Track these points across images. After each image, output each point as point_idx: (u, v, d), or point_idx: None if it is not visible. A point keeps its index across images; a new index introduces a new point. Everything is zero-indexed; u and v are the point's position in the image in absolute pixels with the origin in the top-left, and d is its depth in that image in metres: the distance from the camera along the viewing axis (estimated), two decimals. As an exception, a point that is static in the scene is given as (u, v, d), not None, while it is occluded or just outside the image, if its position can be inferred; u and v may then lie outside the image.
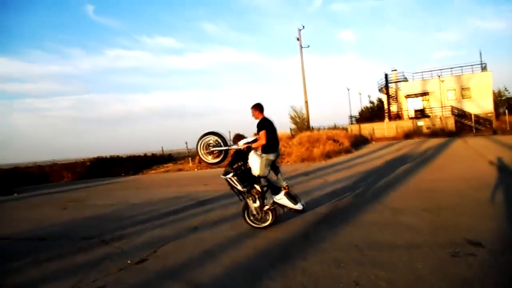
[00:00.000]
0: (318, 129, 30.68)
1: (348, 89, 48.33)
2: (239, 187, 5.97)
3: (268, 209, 6.01)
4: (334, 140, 23.19)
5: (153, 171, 23.23)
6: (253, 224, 6.09)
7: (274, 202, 6.03)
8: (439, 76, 34.41)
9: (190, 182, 15.28)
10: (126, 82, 65.04)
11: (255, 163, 5.99)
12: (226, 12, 73.49)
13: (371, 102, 47.44)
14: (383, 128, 32.45)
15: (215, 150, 6.26)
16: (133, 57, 65.42)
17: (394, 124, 32.74)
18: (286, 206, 6.04)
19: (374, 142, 28.41)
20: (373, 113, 42.23)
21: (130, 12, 67.69)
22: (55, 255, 5.60)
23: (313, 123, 31.35)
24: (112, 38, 68.17)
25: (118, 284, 4.12)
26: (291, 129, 28.90)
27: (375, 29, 61.64)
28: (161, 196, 11.37)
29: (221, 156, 6.28)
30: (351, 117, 39.07)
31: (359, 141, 26.67)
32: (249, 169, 6.06)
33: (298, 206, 6.00)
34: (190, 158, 23.92)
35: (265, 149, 5.94)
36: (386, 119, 34.64)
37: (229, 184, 6.06)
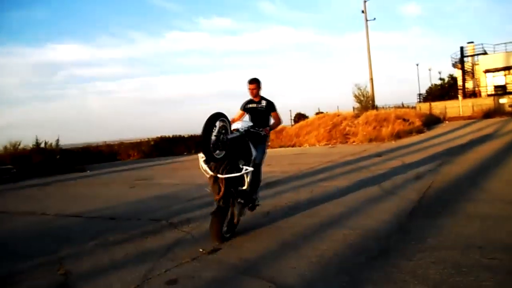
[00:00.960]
0: (384, 108, 28.84)
1: (417, 65, 44.83)
2: (247, 185, 4.80)
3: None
4: (404, 119, 21.53)
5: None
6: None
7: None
8: (526, 48, 30.58)
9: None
10: (185, 64, 66.15)
11: (254, 151, 4.98)
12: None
13: (441, 79, 43.68)
14: (458, 107, 29.69)
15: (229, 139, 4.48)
16: (191, 38, 66.19)
17: (470, 102, 29.82)
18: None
19: (447, 122, 26.08)
20: (444, 90, 38.90)
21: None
22: (124, 238, 5.34)
23: (378, 102, 29.52)
24: (171, 21, 69.44)
25: (192, 278, 3.65)
26: (354, 108, 27.42)
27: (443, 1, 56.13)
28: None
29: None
30: (419, 95, 36.33)
31: (431, 121, 24.57)
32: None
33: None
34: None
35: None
36: (460, 97, 31.64)
37: (229, 186, 4.68)
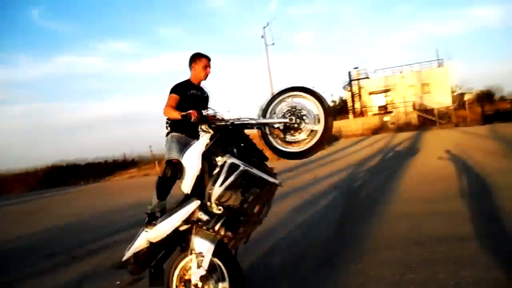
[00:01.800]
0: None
1: (313, 87, 48.18)
2: None
3: None
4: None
5: (116, 178, 21.51)
6: None
7: None
8: (400, 72, 35.22)
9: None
10: (82, 89, 61.19)
11: None
12: (181, 17, 71.39)
13: (333, 101, 47.80)
14: (350, 125, 32.55)
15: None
16: (86, 63, 61.75)
17: (360, 120, 32.96)
18: None
19: (343, 139, 28.31)
20: (337, 111, 42.51)
21: (81, 18, 63.82)
22: (18, 278, 4.35)
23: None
24: (63, 45, 63.91)
25: None
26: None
27: (331, 31, 62.64)
28: (135, 200, 10.08)
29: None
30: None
31: (330, 138, 26.30)
32: None
33: None
34: (156, 162, 22.40)
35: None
36: (351, 116, 34.83)
37: None
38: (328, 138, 2.73)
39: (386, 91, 35.54)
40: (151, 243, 2.91)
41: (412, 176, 8.09)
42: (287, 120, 2.69)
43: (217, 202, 2.67)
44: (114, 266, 3.18)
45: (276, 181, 2.74)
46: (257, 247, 4.33)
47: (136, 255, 2.98)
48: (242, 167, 2.64)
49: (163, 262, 3.07)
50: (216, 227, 2.67)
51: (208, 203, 2.71)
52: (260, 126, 2.82)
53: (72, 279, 4.11)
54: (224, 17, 74.04)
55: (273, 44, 29.45)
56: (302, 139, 2.72)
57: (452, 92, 41.35)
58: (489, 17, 62.98)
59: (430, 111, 31.92)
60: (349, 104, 37.89)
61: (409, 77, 34.99)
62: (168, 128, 3.29)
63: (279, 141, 2.79)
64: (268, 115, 2.82)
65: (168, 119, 3.23)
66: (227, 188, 2.63)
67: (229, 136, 2.83)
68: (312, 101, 2.72)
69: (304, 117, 2.71)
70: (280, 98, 2.82)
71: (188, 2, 71.18)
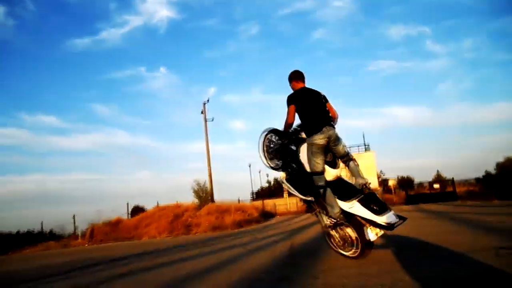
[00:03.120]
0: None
1: (249, 166, 48.78)
2: (299, 195, 4.31)
3: (331, 226, 4.02)
4: (243, 211, 22.34)
5: (27, 251, 18.79)
6: (339, 250, 4.10)
7: (343, 213, 3.86)
8: (331, 155, 37.47)
9: (85, 252, 12.46)
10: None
11: (304, 155, 4.17)
12: (118, 96, 71.65)
13: (268, 182, 48.71)
14: (286, 204, 32.94)
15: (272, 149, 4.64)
16: (7, 134, 57.57)
17: (294, 199, 33.55)
18: (363, 219, 3.71)
19: (278, 216, 28.29)
20: (271, 190, 43.12)
21: (6, 87, 61.09)
22: None
23: (216, 197, 30.24)
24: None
25: None
26: (193, 201, 27.23)
27: (264, 120, 66.69)
28: (63, 260, 8.78)
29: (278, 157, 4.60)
30: (252, 193, 39.16)
31: (266, 214, 26.24)
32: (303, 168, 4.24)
33: (383, 219, 3.56)
34: (79, 233, 20.27)
35: (307, 131, 4.17)
36: (286, 195, 35.42)
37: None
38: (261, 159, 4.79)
39: (319, 172, 37.24)
40: None
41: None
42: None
43: None
44: None
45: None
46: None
47: None
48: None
49: None
50: None
51: None
52: None
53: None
54: (163, 100, 75.56)
55: (212, 119, 30.15)
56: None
57: (378, 177, 44.51)
58: (400, 115, 71.64)
59: (359, 192, 33.63)
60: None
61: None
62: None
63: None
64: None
65: None
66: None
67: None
68: None
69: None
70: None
71: (125, 83, 71.94)
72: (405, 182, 47.05)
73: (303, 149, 4.18)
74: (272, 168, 4.58)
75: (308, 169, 4.08)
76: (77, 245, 18.84)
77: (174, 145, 71.46)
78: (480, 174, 30.05)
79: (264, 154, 4.60)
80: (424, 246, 4.69)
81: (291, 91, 4.34)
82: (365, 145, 38.65)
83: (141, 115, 72.94)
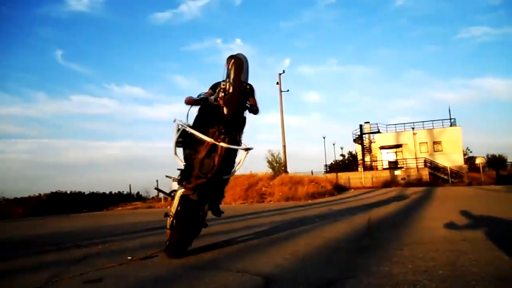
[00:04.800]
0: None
1: (324, 138, 48.00)
2: None
3: None
4: (317, 183, 22.20)
5: (119, 208, 20.92)
6: None
7: None
8: (412, 129, 35.27)
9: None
10: (91, 129, 62.54)
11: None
12: (196, 68, 74.00)
13: (342, 155, 47.54)
14: (360, 178, 32.03)
15: None
16: (99, 104, 63.68)
17: (369, 174, 32.47)
18: None
19: (352, 190, 27.71)
20: (345, 164, 42.15)
21: (99, 60, 66.56)
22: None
23: (289, 169, 30.43)
24: (79, 84, 66.05)
25: (123, 277, 2.63)
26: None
27: (339, 92, 64.09)
28: (142, 219, 9.65)
29: None
30: (326, 165, 38.70)
31: (339, 188, 25.83)
32: None
33: None
34: (162, 197, 21.92)
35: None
36: (361, 169, 34.40)
37: None
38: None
39: (397, 146, 35.38)
40: None
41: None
42: None
43: None
44: None
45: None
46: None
47: None
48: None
49: None
50: None
51: None
52: None
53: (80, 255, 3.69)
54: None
55: (287, 90, 29.94)
56: None
57: (464, 154, 41.15)
58: (494, 89, 64.25)
59: (441, 169, 31.46)
60: (359, 157, 37.61)
61: (421, 134, 34.98)
62: None
63: None
64: None
65: None
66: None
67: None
68: None
69: None
70: None
71: (202, 54, 73.89)
72: (496, 161, 42.99)
73: None
74: None
75: None
76: (160, 206, 20.42)
77: (249, 116, 72.47)
78: None
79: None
80: None
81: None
82: (450, 119, 35.63)
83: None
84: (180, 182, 3.34)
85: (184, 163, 3.34)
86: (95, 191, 23.17)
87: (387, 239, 3.90)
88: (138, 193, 25.84)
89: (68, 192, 22.97)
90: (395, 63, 68.04)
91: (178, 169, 3.42)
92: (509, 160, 41.91)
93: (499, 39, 61.61)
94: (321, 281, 2.45)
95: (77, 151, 59.09)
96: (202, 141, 3.12)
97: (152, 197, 24.58)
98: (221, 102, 3.06)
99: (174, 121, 3.42)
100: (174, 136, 3.36)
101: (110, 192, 24.52)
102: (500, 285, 2.10)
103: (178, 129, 3.36)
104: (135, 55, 71.81)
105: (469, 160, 42.28)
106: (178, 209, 3.25)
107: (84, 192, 23.23)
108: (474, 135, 63.87)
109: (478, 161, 40.06)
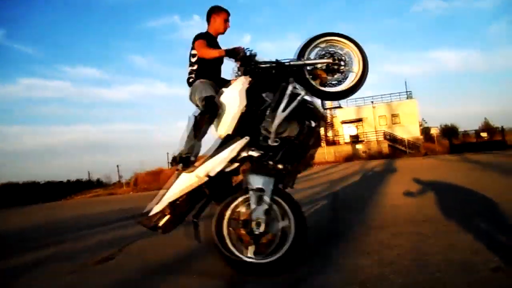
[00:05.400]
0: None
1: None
2: None
3: None
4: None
5: (79, 197, 20.15)
6: None
7: None
8: (372, 103, 36.14)
9: (130, 201, 13.09)
10: (43, 113, 59.03)
11: None
12: (154, 47, 71.43)
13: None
14: (323, 153, 32.62)
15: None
16: (51, 86, 60.12)
17: (332, 149, 33.13)
18: None
19: (316, 165, 28.20)
20: (308, 140, 42.73)
21: (48, 40, 62.56)
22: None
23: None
24: (27, 66, 61.81)
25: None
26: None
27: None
28: (102, 210, 9.26)
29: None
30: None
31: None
32: None
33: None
34: (123, 182, 21.32)
35: None
36: (324, 144, 35.05)
37: None
38: (365, 80, 2.81)
39: (358, 120, 36.24)
40: (188, 192, 2.59)
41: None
42: (330, 61, 2.73)
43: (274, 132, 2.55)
44: (142, 222, 2.69)
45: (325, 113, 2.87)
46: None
47: (172, 204, 2.60)
48: (303, 93, 2.62)
49: (199, 214, 2.76)
50: (273, 161, 2.51)
51: (264, 134, 2.57)
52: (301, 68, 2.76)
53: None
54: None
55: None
56: (342, 79, 2.81)
57: (420, 125, 42.88)
58: (446, 61, 67.10)
59: (400, 141, 32.64)
60: (322, 132, 38.21)
61: (380, 108, 35.95)
62: (193, 78, 3.01)
63: (318, 83, 2.79)
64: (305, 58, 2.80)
65: (194, 68, 3.01)
66: (285, 119, 2.55)
67: (272, 77, 2.71)
68: (348, 47, 2.82)
69: (342, 60, 2.79)
70: (315, 43, 2.83)
71: (161, 32, 71.31)
72: (449, 131, 45.17)
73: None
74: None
75: None
76: (123, 192, 19.87)
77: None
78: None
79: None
80: (484, 203, 4.33)
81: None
82: (407, 92, 36.82)
83: (178, 65, 73.01)
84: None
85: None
86: (51, 180, 22.13)
87: (352, 222, 3.88)
88: (98, 179, 25.00)
89: (21, 182, 21.78)
90: (355, 37, 68.85)
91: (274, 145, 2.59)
92: (460, 129, 44.19)
93: (450, 12, 63.96)
94: (288, 280, 2.36)
95: (30, 137, 56.16)
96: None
97: (114, 183, 23.89)
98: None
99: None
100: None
101: (68, 180, 23.57)
102: (465, 275, 2.09)
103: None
104: (88, 34, 68.25)
105: (425, 131, 44.18)
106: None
107: (39, 182, 22.12)
108: (429, 106, 66.76)
109: (432, 131, 41.96)
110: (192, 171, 2.56)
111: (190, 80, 3.02)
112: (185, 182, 2.57)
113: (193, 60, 3.03)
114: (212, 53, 2.90)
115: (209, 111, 2.67)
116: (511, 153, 18.39)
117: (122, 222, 6.24)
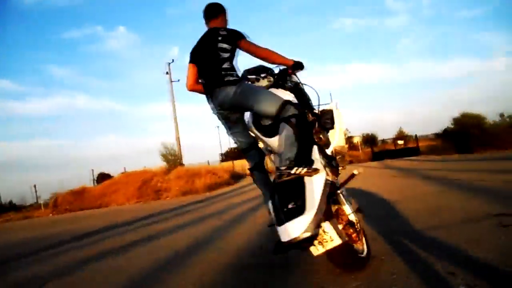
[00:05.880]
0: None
1: (218, 127, 47.98)
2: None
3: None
4: (214, 174, 22.04)
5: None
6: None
7: None
8: (299, 114, 37.49)
9: (49, 225, 11.83)
10: None
11: None
12: (76, 57, 66.97)
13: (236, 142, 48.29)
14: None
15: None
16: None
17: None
18: None
19: (248, 176, 28.28)
20: (239, 151, 42.94)
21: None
22: None
23: (185, 161, 29.66)
24: None
25: None
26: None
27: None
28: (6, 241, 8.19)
29: None
30: (221, 154, 38.83)
31: (236, 176, 26.12)
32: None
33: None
34: (42, 203, 19.33)
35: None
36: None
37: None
38: None
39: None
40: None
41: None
42: None
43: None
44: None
45: None
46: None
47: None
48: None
49: None
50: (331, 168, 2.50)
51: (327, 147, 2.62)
52: None
53: None
54: (124, 60, 71.76)
55: (178, 80, 28.89)
56: None
57: (344, 135, 45.21)
58: (363, 73, 72.59)
59: (327, 150, 34.16)
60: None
61: (307, 118, 37.42)
62: (233, 76, 2.66)
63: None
64: None
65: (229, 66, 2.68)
66: None
67: None
68: None
69: None
70: None
71: (82, 43, 67.34)
72: (369, 139, 48.21)
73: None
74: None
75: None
76: (41, 215, 18.03)
77: (140, 107, 69.03)
78: (439, 129, 31.11)
79: None
80: (412, 214, 4.46)
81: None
82: (332, 102, 38.79)
83: (102, 77, 69.29)
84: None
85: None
86: None
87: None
88: (11, 201, 22.31)
89: None
90: (279, 50, 71.60)
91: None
92: (380, 137, 47.50)
93: (363, 29, 69.45)
94: None
95: None
96: None
97: (30, 205, 21.58)
98: None
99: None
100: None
101: (-27, 205, 20.75)
102: None
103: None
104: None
105: (348, 140, 46.69)
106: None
107: None
108: (352, 116, 71.23)
109: (355, 140, 44.58)
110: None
111: (231, 79, 2.62)
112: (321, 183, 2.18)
113: (226, 55, 2.69)
114: (285, 60, 2.70)
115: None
116: (423, 159, 20.16)
117: (32, 255, 5.49)
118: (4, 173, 48.63)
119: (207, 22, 3.00)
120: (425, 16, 71.04)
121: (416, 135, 33.13)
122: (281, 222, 2.06)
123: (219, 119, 2.81)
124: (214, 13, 2.98)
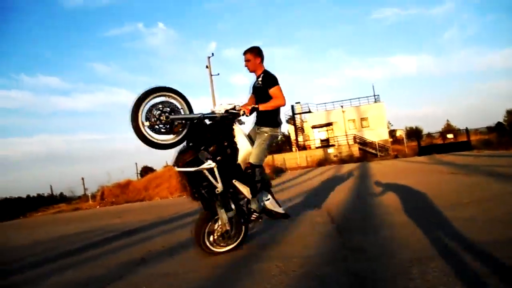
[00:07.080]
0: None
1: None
2: (218, 185, 3.58)
3: (253, 218, 4.03)
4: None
5: (40, 214, 18.65)
6: (214, 249, 3.96)
7: (263, 208, 4.05)
8: (341, 107, 36.47)
9: (97, 217, 12.07)
10: (2, 125, 55.68)
11: (245, 144, 3.85)
12: (118, 54, 69.26)
13: (276, 136, 48.09)
14: (295, 158, 32.46)
15: (176, 119, 3.55)
16: (9, 97, 56.74)
17: (304, 153, 33.05)
18: (271, 211, 4.10)
19: (289, 171, 27.90)
20: (279, 145, 42.61)
21: (6, 48, 59.01)
22: None
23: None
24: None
25: None
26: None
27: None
28: (61, 233, 8.33)
29: (184, 130, 3.65)
30: (260, 148, 38.71)
31: (276, 170, 25.82)
32: (234, 154, 3.81)
33: (282, 210, 4.20)
34: (89, 195, 19.99)
35: (271, 120, 3.92)
36: (295, 149, 34.92)
37: (192, 182, 3.65)
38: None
39: (328, 124, 36.43)
40: None
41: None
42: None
43: None
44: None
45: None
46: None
47: None
48: None
49: None
50: None
51: None
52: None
53: None
54: (163, 56, 73.21)
55: (217, 74, 28.87)
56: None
57: (387, 127, 43.84)
58: (406, 65, 69.56)
59: (369, 144, 33.04)
60: (292, 137, 38.15)
61: (349, 112, 36.35)
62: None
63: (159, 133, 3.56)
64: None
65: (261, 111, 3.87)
66: None
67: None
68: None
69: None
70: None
71: (124, 39, 69.32)
72: (413, 133, 46.40)
73: (239, 133, 3.87)
74: (158, 144, 3.51)
75: (243, 158, 3.86)
76: (89, 207, 18.60)
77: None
78: (488, 122, 29.19)
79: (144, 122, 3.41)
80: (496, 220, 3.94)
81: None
82: (374, 96, 37.46)
83: (142, 72, 71.17)
84: None
85: None
86: (8, 197, 20.44)
87: (372, 250, 3.36)
88: (61, 193, 23.36)
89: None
90: (316, 43, 70.55)
91: None
92: (424, 131, 45.57)
93: (407, 19, 66.44)
94: None
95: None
96: None
97: (79, 197, 22.44)
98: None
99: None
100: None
101: (28, 196, 21.85)
102: None
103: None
104: (48, 42, 65.10)
105: (391, 133, 45.14)
106: None
107: (11, 197, 20.40)
108: (395, 109, 68.77)
109: (398, 133, 42.90)
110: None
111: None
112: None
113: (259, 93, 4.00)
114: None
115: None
116: (477, 154, 18.81)
117: (87, 252, 5.44)
118: (54, 166, 51.15)
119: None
120: (472, 3, 66.89)
121: (467, 128, 31.26)
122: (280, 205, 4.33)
123: (276, 140, 4.68)
124: (260, 54, 4.04)
